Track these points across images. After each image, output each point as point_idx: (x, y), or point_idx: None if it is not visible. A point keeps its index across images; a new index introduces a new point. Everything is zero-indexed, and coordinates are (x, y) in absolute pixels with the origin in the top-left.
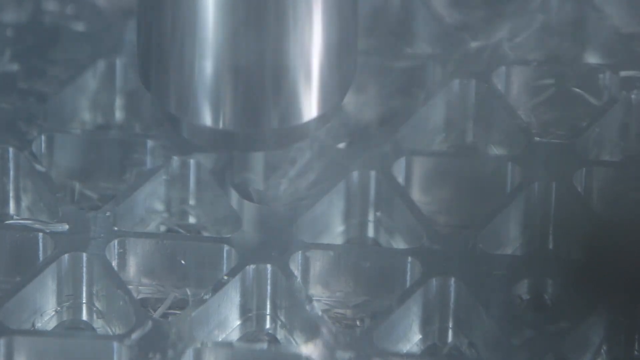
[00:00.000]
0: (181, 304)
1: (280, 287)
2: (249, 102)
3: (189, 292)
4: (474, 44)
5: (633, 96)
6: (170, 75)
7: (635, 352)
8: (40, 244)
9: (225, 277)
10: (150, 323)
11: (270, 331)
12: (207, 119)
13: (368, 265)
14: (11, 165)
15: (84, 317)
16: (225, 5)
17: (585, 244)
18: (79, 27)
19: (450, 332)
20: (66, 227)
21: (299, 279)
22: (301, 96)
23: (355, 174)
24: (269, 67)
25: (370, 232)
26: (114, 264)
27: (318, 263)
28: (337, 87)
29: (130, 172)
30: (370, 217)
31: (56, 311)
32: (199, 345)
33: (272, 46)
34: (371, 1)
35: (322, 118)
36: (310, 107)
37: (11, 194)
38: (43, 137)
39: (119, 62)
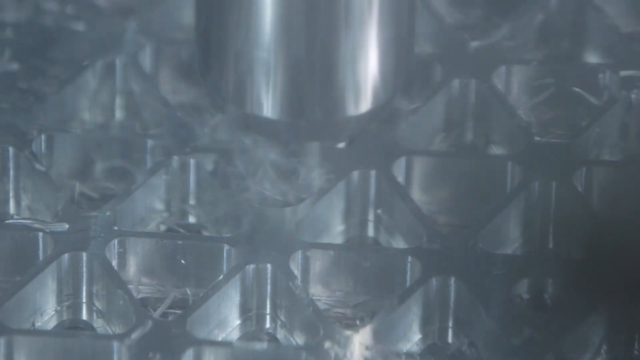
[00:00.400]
0: (181, 304)
1: (280, 287)
2: (297, 93)
3: (188, 292)
4: (474, 44)
5: (633, 96)
6: (228, 67)
7: (635, 352)
8: (40, 244)
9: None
10: (150, 323)
11: (270, 331)
12: (260, 109)
13: (368, 264)
14: (11, 164)
15: (84, 316)
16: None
17: (585, 243)
18: (79, 26)
19: (450, 332)
20: (66, 226)
21: (298, 279)
22: (350, 91)
23: (355, 174)
24: (320, 59)
25: (370, 232)
26: (114, 263)
27: (318, 262)
28: (389, 84)
29: (130, 171)
30: (371, 216)
31: (56, 311)
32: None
33: (324, 39)
34: None
35: (372, 113)
36: (359, 102)
37: (11, 193)
38: (43, 137)
39: (118, 62)
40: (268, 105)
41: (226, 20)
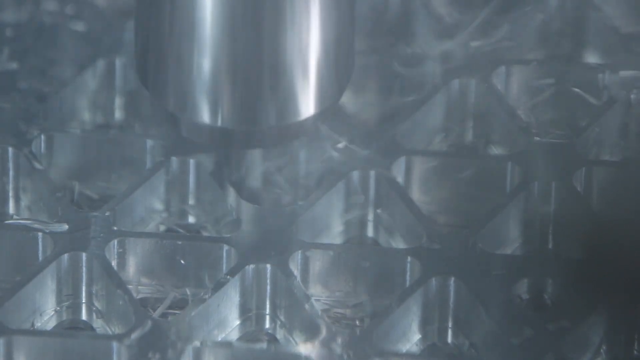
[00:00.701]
0: (181, 304)
1: (279, 287)
2: (246, 100)
3: (188, 292)
4: (473, 44)
5: (632, 96)
6: (168, 74)
7: (635, 352)
8: (40, 244)
9: (228, 277)
10: (149, 323)
11: (269, 331)
12: (205, 117)
13: (368, 264)
14: (11, 165)
15: (84, 316)
16: (222, 3)
17: (584, 243)
18: (79, 27)
19: (449, 332)
20: (66, 226)
21: (298, 279)
22: (299, 94)
23: (354, 174)
24: (266, 64)
25: (370, 232)
26: (114, 263)
27: (318, 263)
28: (335, 84)
29: (130, 171)
30: (370, 216)
31: (56, 311)
32: (197, 344)
33: (269, 43)
34: (371, 1)
35: (319, 116)
36: (307, 104)
37: (11, 193)
38: (43, 137)
39: (118, 62)
40: (216, 113)
41: (166, 27)
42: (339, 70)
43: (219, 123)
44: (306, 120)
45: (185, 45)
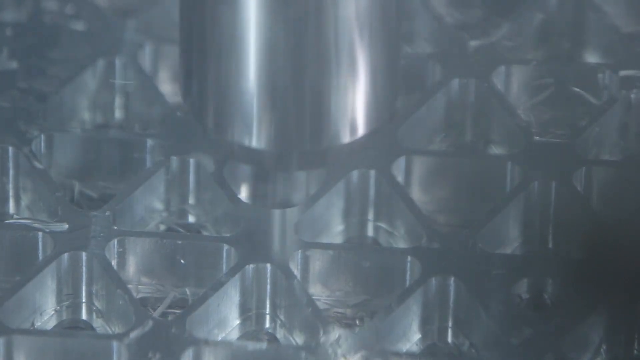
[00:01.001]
0: (181, 304)
1: (279, 287)
2: (284, 123)
3: (188, 292)
4: (473, 43)
5: (632, 95)
6: (209, 94)
7: (635, 352)
8: (40, 243)
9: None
10: (149, 322)
11: (269, 330)
12: (245, 139)
13: (368, 264)
14: (11, 164)
15: (84, 316)
16: (265, 27)
17: (584, 243)
18: (79, 26)
19: (449, 332)
20: (66, 226)
21: (298, 279)
22: (338, 119)
23: (354, 173)
24: (307, 89)
25: (370, 232)
26: (114, 263)
27: (318, 262)
28: (378, 111)
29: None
30: (370, 216)
31: (56, 310)
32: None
33: (310, 69)
34: None
35: (360, 141)
36: (347, 130)
37: (11, 193)
38: (43, 137)
39: (118, 62)
40: (254, 135)
41: (209, 48)
42: (382, 97)
43: (256, 145)
44: (345, 145)
45: (226, 67)
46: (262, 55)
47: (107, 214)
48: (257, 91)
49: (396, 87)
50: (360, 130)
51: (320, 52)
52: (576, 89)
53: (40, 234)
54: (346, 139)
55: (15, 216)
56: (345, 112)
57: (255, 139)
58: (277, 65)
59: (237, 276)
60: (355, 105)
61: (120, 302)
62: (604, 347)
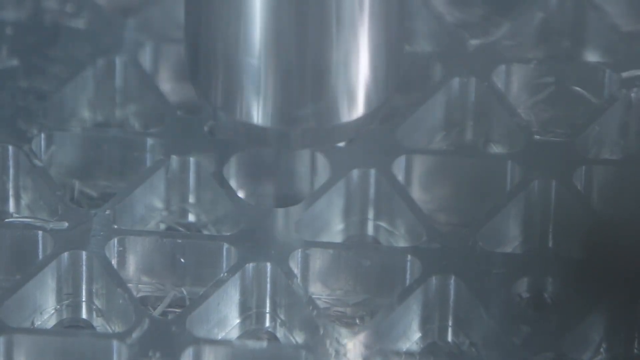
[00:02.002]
0: (181, 303)
1: (279, 286)
2: (288, 100)
3: (184, 292)
4: (473, 42)
5: (633, 94)
6: (215, 71)
7: (635, 351)
8: (40, 242)
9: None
10: (149, 321)
11: (269, 329)
12: (251, 116)
13: (368, 263)
14: (11, 163)
15: (84, 315)
16: (270, 4)
17: (585, 242)
18: (79, 25)
19: (450, 331)
20: (66, 225)
21: (298, 278)
22: (341, 97)
23: (355, 172)
24: (311, 66)
25: (370, 230)
26: (114, 262)
27: (318, 261)
28: (380, 90)
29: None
30: (370, 215)
31: (56, 309)
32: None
33: (314, 46)
34: None
35: (363, 120)
36: (350, 108)
37: (11, 192)
38: (43, 135)
39: (118, 61)
40: (259, 112)
41: (215, 26)
42: (385, 75)
43: (260, 122)
44: (348, 123)
45: (233, 45)
46: (268, 33)
47: (107, 212)
48: (264, 69)
49: (399, 66)
50: (362, 109)
51: (322, 30)
52: (576, 88)
53: (40, 232)
54: (348, 116)
55: (15, 215)
56: (347, 90)
57: (262, 117)
58: (282, 43)
59: (237, 275)
60: (358, 83)
61: (120, 301)
62: (604, 346)
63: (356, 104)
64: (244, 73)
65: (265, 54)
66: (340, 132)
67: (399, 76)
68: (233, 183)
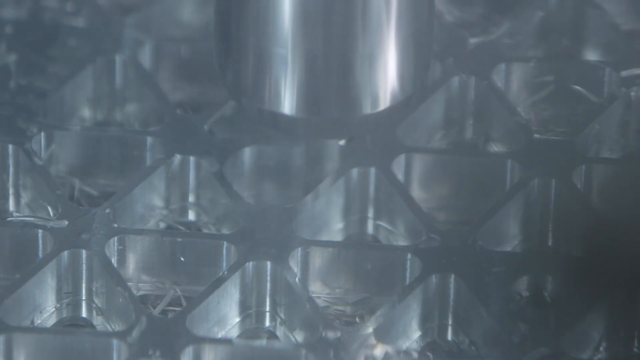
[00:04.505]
0: (180, 301)
1: (279, 284)
2: (314, 90)
3: (179, 292)
4: (473, 41)
5: (633, 93)
6: (244, 62)
7: (635, 349)
8: (40, 241)
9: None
10: (149, 320)
11: (269, 328)
12: (277, 105)
13: (368, 263)
14: (11, 162)
15: (84, 314)
16: None
17: (584, 240)
18: (79, 23)
19: (449, 329)
20: (66, 223)
21: (298, 277)
22: (368, 87)
23: (354, 171)
24: (338, 57)
25: (370, 229)
26: (114, 260)
27: (318, 260)
28: (408, 80)
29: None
30: (370, 214)
31: (56, 308)
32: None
33: (341, 36)
34: None
35: (391, 110)
36: (378, 99)
37: (11, 190)
38: (43, 134)
39: (118, 59)
40: (284, 101)
41: (245, 15)
42: (413, 66)
43: (287, 111)
44: (375, 114)
45: (260, 36)
46: (296, 23)
47: (107, 211)
48: (291, 58)
49: (426, 60)
50: (385, 102)
51: (349, 21)
52: (576, 87)
53: (40, 231)
54: (372, 109)
55: (15, 214)
56: (373, 82)
57: (288, 106)
58: (309, 34)
59: (237, 274)
60: (383, 76)
61: (120, 300)
62: (604, 344)
63: (380, 97)
64: (272, 63)
65: (292, 43)
66: (363, 124)
67: (425, 71)
68: (233, 182)
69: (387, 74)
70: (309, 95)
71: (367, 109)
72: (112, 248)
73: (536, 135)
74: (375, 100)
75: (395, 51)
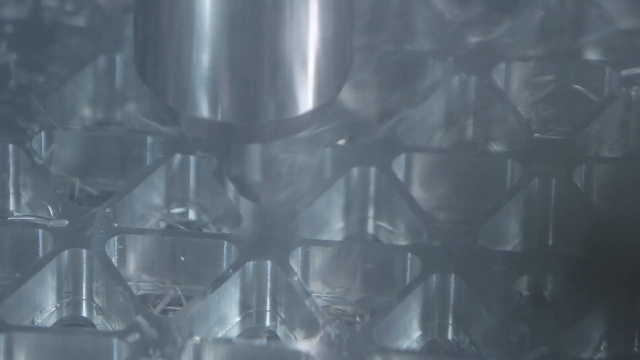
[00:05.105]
0: (181, 301)
1: (280, 284)
2: (245, 94)
3: (179, 291)
4: (473, 40)
5: (633, 93)
6: (167, 68)
7: (635, 349)
8: (40, 240)
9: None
10: (149, 320)
11: (270, 328)
12: (204, 111)
13: (368, 262)
14: (11, 161)
15: (84, 313)
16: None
17: (585, 240)
18: (79, 23)
19: (450, 329)
20: (66, 223)
21: (298, 276)
22: (297, 88)
23: (355, 170)
24: (265, 59)
25: (370, 229)
26: (114, 260)
27: (318, 259)
28: (334, 80)
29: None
30: (370, 213)
31: (56, 307)
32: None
33: (268, 38)
34: None
35: (318, 110)
36: (306, 99)
37: (11, 190)
38: (43, 134)
39: (118, 59)
40: (215, 108)
41: (165, 22)
42: (337, 66)
43: (219, 117)
44: (304, 115)
45: (185, 40)
46: (219, 28)
47: (107, 211)
48: (215, 63)
49: (346, 63)
50: (311, 103)
51: (276, 22)
52: (576, 86)
53: (40, 231)
54: (296, 112)
55: (15, 213)
56: (296, 85)
57: (213, 111)
58: (234, 37)
59: (238, 273)
60: (307, 78)
61: (121, 300)
62: (604, 344)
63: (311, 95)
64: (198, 69)
65: (217, 48)
66: (299, 124)
67: (349, 67)
68: (233, 178)
69: (315, 73)
70: (240, 100)
71: (299, 110)
72: (112, 247)
73: (536, 135)
74: (306, 100)
75: (320, 51)
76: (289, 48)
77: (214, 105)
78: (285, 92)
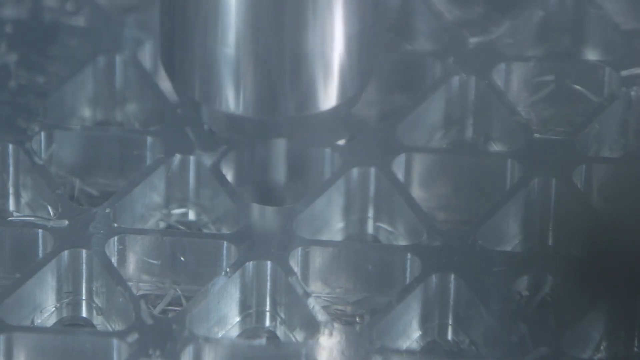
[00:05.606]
0: (180, 301)
1: (280, 284)
2: (267, 89)
3: (179, 292)
4: (473, 40)
5: (633, 93)
6: (194, 63)
7: (635, 349)
8: (40, 241)
9: (227, 270)
10: (150, 320)
11: (270, 328)
12: (229, 106)
13: (368, 262)
14: (11, 161)
15: (84, 313)
16: None
17: (584, 240)
18: (79, 23)
19: (450, 329)
20: (66, 223)
21: (298, 276)
22: (319, 85)
23: (354, 170)
24: (289, 55)
25: (370, 229)
26: (114, 260)
27: (318, 259)
28: (357, 78)
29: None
30: (370, 213)
31: (56, 308)
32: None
33: (292, 34)
34: None
35: (340, 108)
36: (328, 96)
37: (11, 190)
38: (43, 134)
39: (118, 59)
40: (237, 102)
41: (191, 16)
42: (361, 64)
43: (241, 111)
44: (326, 112)
45: (209, 35)
46: (244, 23)
47: (107, 211)
48: (239, 58)
49: (370, 62)
50: (338, 98)
51: (300, 18)
52: (576, 86)
53: (40, 231)
54: (324, 105)
55: (15, 213)
56: (323, 78)
57: (242, 106)
58: (258, 32)
59: (238, 273)
60: (334, 71)
61: (120, 300)
62: (604, 344)
63: (333, 92)
64: (221, 63)
65: (241, 43)
66: (317, 121)
67: (374, 66)
68: (233, 181)
69: (338, 69)
70: (261, 95)
71: (321, 106)
72: (112, 247)
73: (536, 135)
74: (328, 96)
75: (344, 49)
76: (313, 44)
77: (237, 99)
78: (307, 89)
